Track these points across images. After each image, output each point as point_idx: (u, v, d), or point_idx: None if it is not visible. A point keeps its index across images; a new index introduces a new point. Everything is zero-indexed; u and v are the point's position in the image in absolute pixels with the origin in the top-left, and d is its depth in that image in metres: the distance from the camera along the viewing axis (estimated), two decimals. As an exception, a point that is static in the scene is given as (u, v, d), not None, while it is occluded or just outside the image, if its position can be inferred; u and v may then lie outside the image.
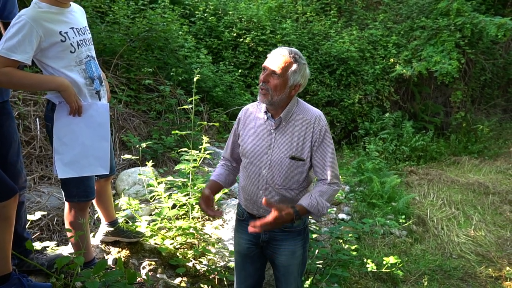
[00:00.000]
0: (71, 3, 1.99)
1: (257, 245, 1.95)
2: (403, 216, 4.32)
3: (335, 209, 4.46)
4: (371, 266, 3.23)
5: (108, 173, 2.07)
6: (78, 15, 2.00)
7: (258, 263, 2.02)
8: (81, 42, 1.94)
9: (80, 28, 1.96)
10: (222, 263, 2.67)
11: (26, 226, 2.22)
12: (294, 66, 1.70)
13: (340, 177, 1.88)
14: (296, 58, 1.72)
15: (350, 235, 3.40)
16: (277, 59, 1.71)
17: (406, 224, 4.16)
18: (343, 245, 3.39)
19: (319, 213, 1.75)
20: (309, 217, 2.10)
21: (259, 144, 1.81)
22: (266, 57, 1.78)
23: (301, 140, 1.77)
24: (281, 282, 1.98)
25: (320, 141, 1.78)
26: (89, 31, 2.05)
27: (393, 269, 3.25)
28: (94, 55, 2.05)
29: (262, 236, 1.91)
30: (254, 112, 1.88)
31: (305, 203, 1.73)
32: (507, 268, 3.66)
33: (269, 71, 1.71)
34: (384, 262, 3.26)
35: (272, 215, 1.66)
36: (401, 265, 3.37)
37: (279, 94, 1.71)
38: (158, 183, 2.87)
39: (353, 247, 3.37)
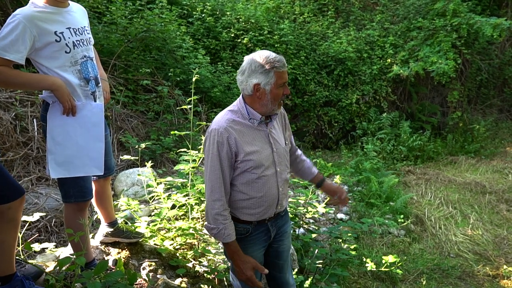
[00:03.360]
0: (71, 2, 1.98)
1: (267, 245, 2.00)
2: (401, 216, 4.33)
3: (333, 209, 4.47)
4: (370, 265, 3.24)
5: (102, 173, 2.04)
6: (77, 15, 1.99)
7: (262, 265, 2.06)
8: (78, 42, 1.92)
9: (78, 28, 1.95)
10: (222, 264, 2.67)
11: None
12: None
13: None
14: None
15: (349, 234, 3.41)
16: (285, 69, 1.81)
17: (404, 224, 4.18)
18: (342, 244, 3.40)
19: None
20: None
21: (265, 147, 1.85)
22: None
23: (282, 127, 2.00)
24: (284, 268, 2.06)
25: (287, 123, 2.05)
26: (88, 31, 2.04)
27: (392, 268, 3.26)
28: (92, 55, 2.03)
29: (272, 233, 1.97)
30: (239, 124, 1.79)
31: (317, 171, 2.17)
32: (504, 266, 3.67)
33: (286, 81, 1.81)
34: (384, 261, 3.27)
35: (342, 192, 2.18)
36: (400, 264, 3.38)
37: None
38: (158, 184, 2.87)
39: (352, 247, 3.38)
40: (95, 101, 2.00)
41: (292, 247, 2.81)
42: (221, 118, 1.79)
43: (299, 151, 2.15)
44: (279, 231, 2.00)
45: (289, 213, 2.15)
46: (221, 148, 1.73)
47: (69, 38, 1.88)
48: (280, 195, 1.90)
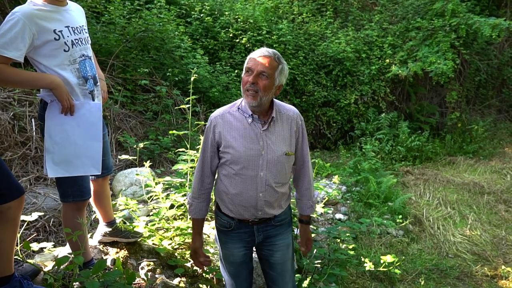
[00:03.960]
0: (69, 1, 1.98)
1: (251, 248, 1.96)
2: (400, 216, 4.34)
3: (332, 209, 4.48)
4: (369, 265, 3.25)
5: (100, 173, 2.04)
6: (75, 13, 1.99)
7: (251, 264, 2.03)
8: (76, 41, 1.92)
9: (76, 27, 1.95)
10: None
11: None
12: (280, 67, 1.75)
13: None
14: (280, 59, 1.76)
15: (347, 234, 3.41)
16: (263, 60, 1.72)
17: (402, 224, 4.18)
18: (341, 245, 3.40)
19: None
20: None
21: (251, 147, 1.78)
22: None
23: (288, 136, 1.86)
24: (278, 282, 1.98)
25: (302, 135, 1.90)
26: (86, 30, 2.04)
27: (391, 268, 3.26)
28: (90, 54, 2.03)
29: (257, 238, 1.91)
30: (232, 117, 1.81)
31: (310, 212, 2.05)
32: (503, 266, 3.68)
33: (257, 72, 1.71)
34: (382, 261, 3.27)
35: (309, 245, 2.09)
36: (398, 264, 3.38)
37: (267, 95, 1.74)
38: (156, 184, 2.87)
39: (350, 247, 3.38)
40: (93, 100, 2.00)
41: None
42: (221, 108, 1.89)
43: (306, 183, 1.99)
44: (268, 241, 1.93)
45: (289, 227, 2.02)
46: (208, 134, 1.85)
47: (68, 36, 1.87)
48: (260, 200, 1.81)
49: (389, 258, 3.25)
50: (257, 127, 1.80)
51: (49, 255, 2.42)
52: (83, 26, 2.01)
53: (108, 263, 2.28)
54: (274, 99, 1.87)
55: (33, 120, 3.81)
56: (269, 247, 1.93)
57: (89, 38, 2.06)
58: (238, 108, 1.82)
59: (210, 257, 2.06)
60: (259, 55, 1.73)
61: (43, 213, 2.94)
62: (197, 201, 1.91)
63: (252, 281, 2.10)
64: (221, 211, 1.91)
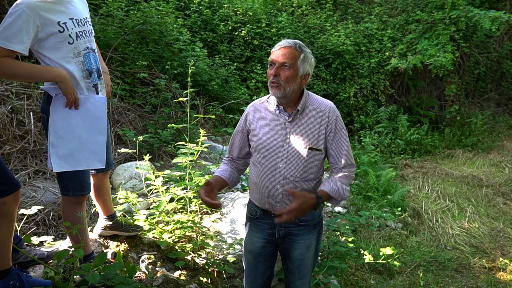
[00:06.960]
0: None
1: (272, 242, 1.96)
2: (399, 209, 4.35)
3: (331, 202, 4.48)
4: (368, 257, 3.26)
5: (104, 167, 2.03)
6: (79, 5, 1.96)
7: (270, 261, 2.03)
8: (80, 33, 1.89)
9: (80, 19, 1.92)
10: (220, 256, 2.68)
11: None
12: (302, 56, 1.74)
13: (354, 162, 1.91)
14: (302, 48, 1.75)
15: (346, 227, 3.43)
16: (284, 51, 1.73)
17: (401, 217, 4.20)
18: (340, 237, 3.42)
19: (340, 198, 1.80)
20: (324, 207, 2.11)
21: (273, 137, 1.81)
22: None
23: (317, 130, 1.80)
24: (294, 273, 1.99)
25: (335, 131, 1.82)
26: (90, 23, 2.01)
27: (389, 260, 3.28)
28: (94, 47, 2.00)
29: (278, 233, 1.91)
30: (263, 107, 1.88)
31: (327, 189, 1.77)
32: (500, 259, 3.71)
33: (278, 64, 1.72)
34: (381, 254, 3.29)
35: (297, 201, 1.67)
36: (397, 256, 3.40)
37: (291, 85, 1.73)
38: (156, 177, 2.86)
39: (349, 240, 3.40)
40: (97, 93, 1.98)
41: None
42: (259, 98, 1.96)
43: (336, 174, 1.84)
44: (290, 238, 1.92)
45: (314, 229, 1.93)
46: (241, 121, 1.95)
47: (72, 29, 1.85)
48: (277, 192, 1.82)
49: (388, 251, 3.27)
50: (283, 118, 1.81)
51: (49, 248, 2.42)
52: (86, 18, 1.98)
53: (109, 256, 2.28)
54: (309, 92, 1.86)
55: (31, 113, 3.79)
56: (289, 243, 1.94)
57: (92, 31, 2.03)
58: (266, 101, 1.87)
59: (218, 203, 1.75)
60: (279, 47, 1.74)
61: (42, 207, 2.94)
62: (221, 168, 1.98)
63: (271, 279, 2.08)
64: (250, 198, 1.98)
